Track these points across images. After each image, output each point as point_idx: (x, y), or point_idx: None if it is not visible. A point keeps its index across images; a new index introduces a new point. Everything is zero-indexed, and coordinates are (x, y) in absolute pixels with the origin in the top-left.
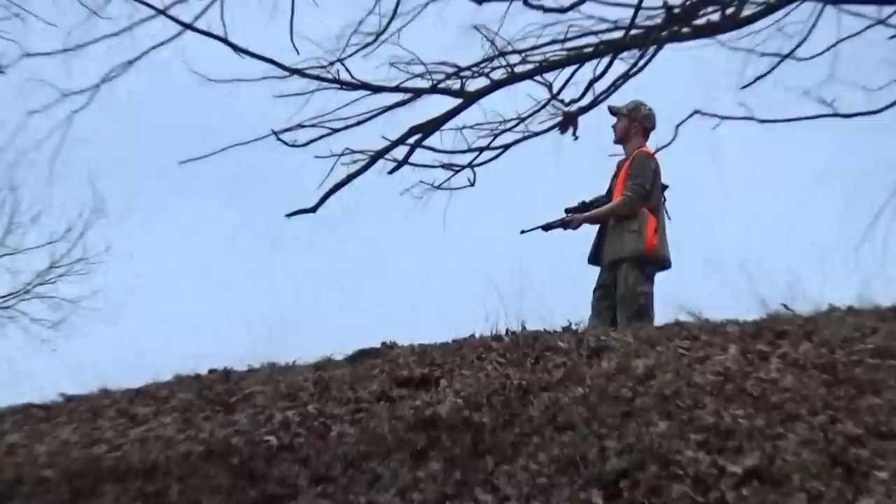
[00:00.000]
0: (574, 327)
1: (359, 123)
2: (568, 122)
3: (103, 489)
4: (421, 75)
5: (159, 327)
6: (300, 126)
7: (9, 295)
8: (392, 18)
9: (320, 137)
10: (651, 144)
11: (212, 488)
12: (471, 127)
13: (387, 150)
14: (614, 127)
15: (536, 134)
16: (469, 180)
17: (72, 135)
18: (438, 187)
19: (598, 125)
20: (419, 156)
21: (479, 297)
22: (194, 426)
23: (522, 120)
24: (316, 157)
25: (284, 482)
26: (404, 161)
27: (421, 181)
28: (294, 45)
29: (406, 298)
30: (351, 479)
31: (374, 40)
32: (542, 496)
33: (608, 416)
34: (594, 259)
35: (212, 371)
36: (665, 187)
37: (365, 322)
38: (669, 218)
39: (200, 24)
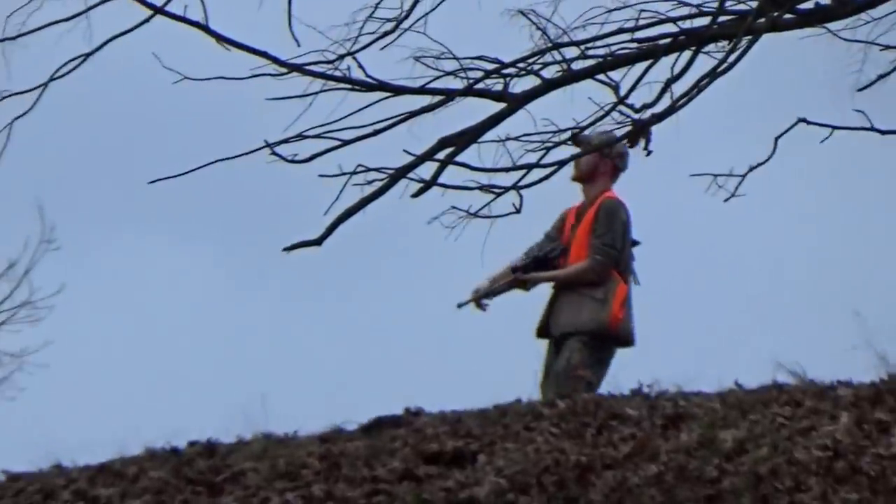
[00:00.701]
0: (646, 390)
1: (375, 133)
2: (638, 133)
3: None
4: (453, 73)
5: (125, 389)
6: (301, 136)
7: None
8: (416, 0)
9: (327, 151)
10: (618, 186)
11: None
12: (516, 138)
13: (410, 167)
14: (574, 165)
15: (599, 148)
16: (514, 206)
17: (12, 146)
18: (475, 214)
19: (677, 137)
20: (451, 175)
21: (526, 353)
22: None
23: (581, 130)
24: (321, 175)
25: None
26: (433, 181)
27: (453, 207)
28: (293, 35)
29: (435, 354)
30: None
31: (394, 28)
32: None
33: (688, 501)
34: (545, 330)
35: (192, 444)
36: (635, 244)
37: (383, 383)
38: (637, 283)
39: (174, 7)
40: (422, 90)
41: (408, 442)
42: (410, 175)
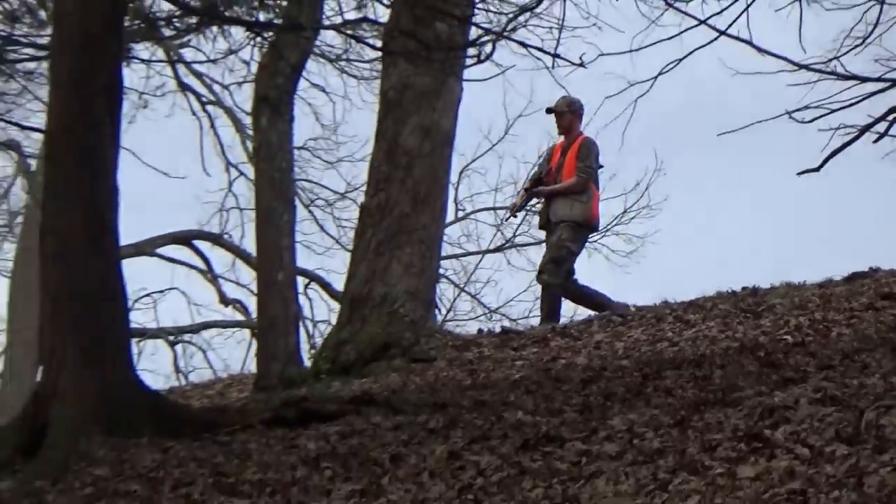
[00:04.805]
0: None
1: (851, 105)
2: None
3: (665, 374)
4: None
5: (704, 254)
6: (807, 108)
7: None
8: (876, 24)
9: (821, 116)
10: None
11: (744, 373)
12: None
13: (870, 126)
14: (558, 123)
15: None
16: None
17: (638, 113)
18: None
19: None
20: None
21: None
22: (731, 328)
23: None
24: (819, 130)
25: (797, 369)
26: (885, 133)
27: None
28: (802, 46)
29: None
30: (847, 367)
31: (862, 42)
32: None
33: None
34: (546, 223)
35: (744, 288)
36: (600, 167)
37: (857, 251)
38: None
39: (732, 31)
40: (879, 79)
41: (871, 287)
42: (872, 129)
